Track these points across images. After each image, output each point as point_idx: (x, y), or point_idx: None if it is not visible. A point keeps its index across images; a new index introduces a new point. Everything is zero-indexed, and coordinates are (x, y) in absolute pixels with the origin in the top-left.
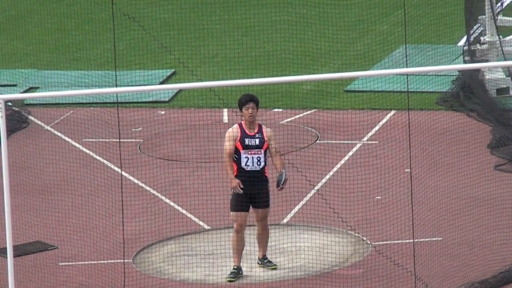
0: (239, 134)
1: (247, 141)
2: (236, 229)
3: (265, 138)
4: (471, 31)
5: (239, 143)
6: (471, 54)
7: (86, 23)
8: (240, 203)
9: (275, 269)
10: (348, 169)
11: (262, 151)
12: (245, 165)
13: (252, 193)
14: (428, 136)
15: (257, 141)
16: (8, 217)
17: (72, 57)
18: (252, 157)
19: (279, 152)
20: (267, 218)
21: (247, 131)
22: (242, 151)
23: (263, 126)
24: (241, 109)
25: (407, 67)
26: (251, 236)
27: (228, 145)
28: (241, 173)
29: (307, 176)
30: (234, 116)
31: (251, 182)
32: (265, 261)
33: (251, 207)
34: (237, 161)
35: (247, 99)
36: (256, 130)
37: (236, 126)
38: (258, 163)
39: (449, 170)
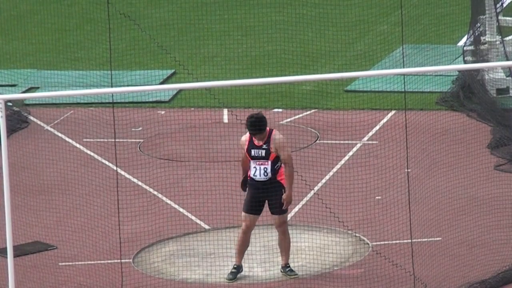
0: (246, 144)
1: (253, 152)
2: (243, 229)
3: (271, 150)
4: (472, 31)
5: (246, 153)
6: (473, 54)
7: (86, 23)
8: (252, 205)
9: (297, 277)
10: (348, 169)
11: (269, 162)
12: (253, 175)
13: (266, 199)
14: (428, 136)
15: (263, 152)
16: (8, 217)
17: (72, 57)
18: (260, 168)
19: (288, 163)
20: (285, 224)
21: (255, 141)
22: (251, 161)
23: (273, 135)
24: None
25: (403, 67)
26: (255, 237)
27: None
28: (253, 181)
29: (307, 177)
30: (234, 116)
31: (263, 190)
32: (287, 269)
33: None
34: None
35: (253, 133)
36: (264, 141)
37: (247, 134)
38: (265, 173)
39: (449, 170)
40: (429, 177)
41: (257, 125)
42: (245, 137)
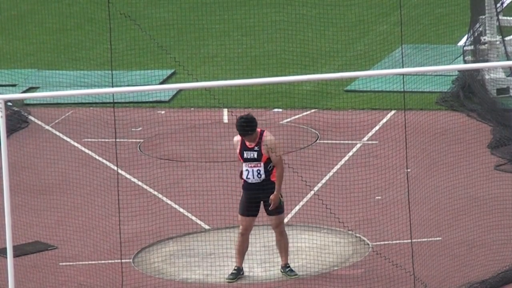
0: (239, 146)
1: (245, 154)
2: (241, 232)
3: (263, 152)
4: (472, 31)
5: (239, 155)
6: (473, 54)
7: (86, 23)
8: (248, 207)
9: (297, 277)
10: (348, 169)
11: (262, 164)
12: (247, 177)
13: (261, 200)
14: (428, 136)
15: (255, 154)
16: (8, 217)
17: (73, 57)
18: (252, 170)
19: (277, 165)
20: (282, 224)
21: (247, 143)
22: (243, 164)
23: (264, 136)
24: None
25: (403, 67)
26: (255, 237)
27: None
28: (246, 184)
29: (307, 177)
30: (234, 116)
31: (258, 191)
32: (287, 269)
33: (265, 213)
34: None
35: (243, 134)
36: (255, 142)
37: (238, 136)
38: (258, 175)
39: (449, 170)
40: (429, 177)
41: (246, 127)
42: (238, 137)
